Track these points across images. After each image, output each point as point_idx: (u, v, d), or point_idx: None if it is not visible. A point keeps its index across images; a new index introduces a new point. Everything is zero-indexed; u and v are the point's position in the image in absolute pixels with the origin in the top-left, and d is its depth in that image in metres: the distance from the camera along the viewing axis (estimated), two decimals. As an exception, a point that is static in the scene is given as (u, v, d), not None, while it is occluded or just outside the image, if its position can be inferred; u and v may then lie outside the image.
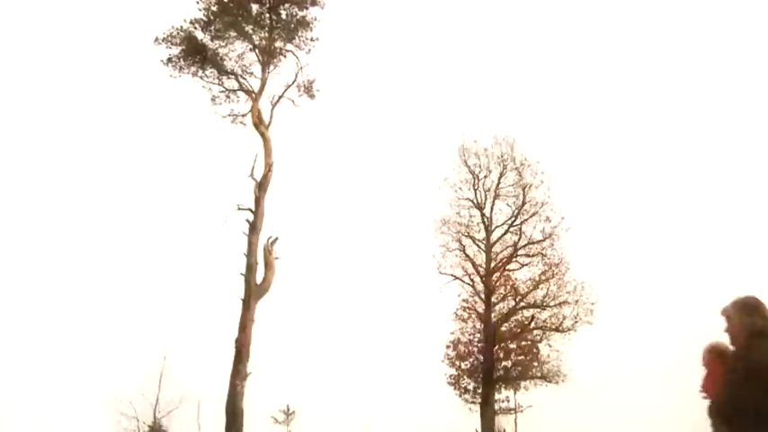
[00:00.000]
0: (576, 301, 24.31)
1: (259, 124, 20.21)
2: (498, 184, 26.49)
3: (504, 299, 26.08)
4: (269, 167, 18.74)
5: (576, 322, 24.36)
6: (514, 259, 25.91)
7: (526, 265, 25.86)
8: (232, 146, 30.71)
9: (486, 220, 26.37)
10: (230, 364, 16.05)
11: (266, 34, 21.47)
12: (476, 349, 27.06)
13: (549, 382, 26.44)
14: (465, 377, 27.68)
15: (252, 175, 18.43)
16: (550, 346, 26.03)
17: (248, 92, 21.27)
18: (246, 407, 15.78)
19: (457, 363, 27.74)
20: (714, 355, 4.59)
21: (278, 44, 21.63)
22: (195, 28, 21.37)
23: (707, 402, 4.39)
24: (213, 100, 21.64)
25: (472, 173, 26.65)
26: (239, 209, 17.70)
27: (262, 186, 18.26)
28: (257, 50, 21.44)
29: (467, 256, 26.25)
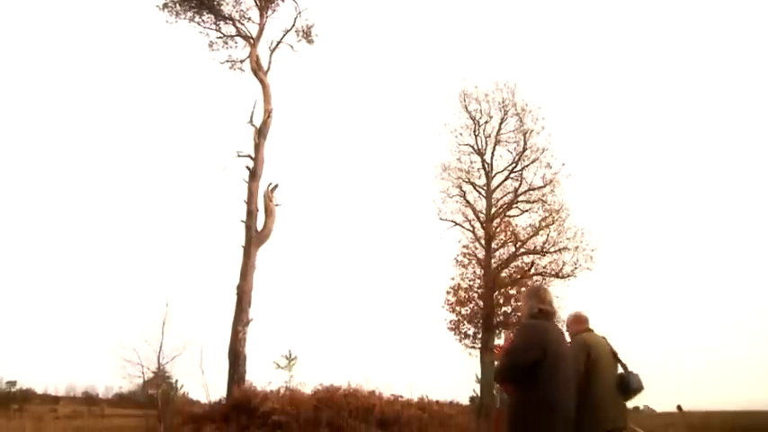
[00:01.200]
0: (576, 248, 24.42)
1: (258, 70, 19.97)
2: (499, 129, 26.37)
3: (504, 245, 26.19)
4: (268, 114, 18.59)
5: (576, 268, 24.52)
6: (515, 205, 25.94)
7: (526, 211, 25.91)
8: (231, 92, 30.49)
9: (486, 166, 26.32)
10: (232, 311, 16.19)
11: (264, -23, 21.04)
12: (476, 295, 27.31)
13: (549, 327, 26.75)
14: (465, 322, 28.01)
15: (251, 121, 18.31)
16: (550, 293, 26.28)
17: (246, 37, 20.97)
18: (249, 352, 16.00)
19: (457, 308, 28.02)
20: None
21: (276, -12, 21.22)
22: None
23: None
24: (211, 46, 21.36)
25: (473, 118, 26.52)
26: (239, 156, 17.63)
27: (261, 133, 18.14)
28: (255, -6, 21.06)
29: (467, 202, 26.30)
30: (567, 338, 6.14)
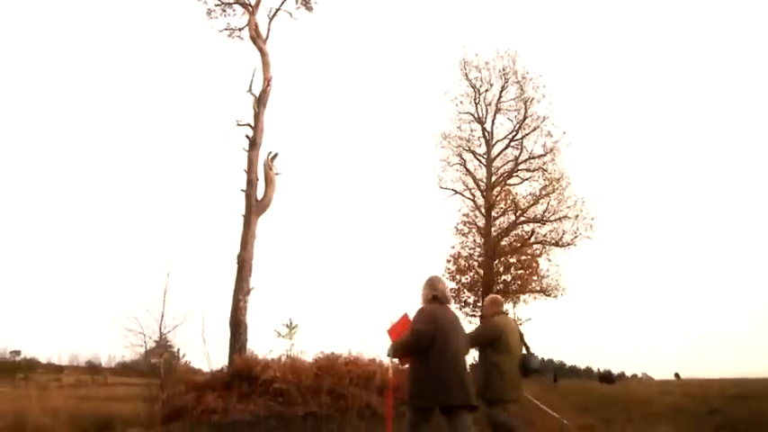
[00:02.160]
0: (576, 216, 24.43)
1: (256, 38, 19.74)
2: (499, 97, 26.22)
3: (504, 213, 26.20)
4: (267, 82, 18.40)
5: (576, 237, 24.56)
6: (515, 174, 25.89)
7: (527, 179, 25.88)
8: (230, 61, 30.21)
9: (486, 134, 26.22)
10: (233, 280, 16.20)
11: (262, -58, 20.69)
12: (476, 263, 27.41)
13: (548, 295, 26.92)
14: (465, 291, 28.16)
15: (250, 90, 18.12)
16: (550, 261, 26.39)
17: (245, 5, 20.68)
18: (250, 321, 16.04)
19: (457, 276, 28.16)
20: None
21: (274, -47, 20.88)
22: (188, -63, 20.56)
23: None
24: (209, 14, 21.05)
25: (473, 86, 26.36)
26: (238, 124, 17.47)
27: (260, 101, 17.97)
28: (253, -40, 20.73)
29: (467, 170, 26.26)
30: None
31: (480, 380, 7.87)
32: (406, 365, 6.53)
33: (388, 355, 6.75)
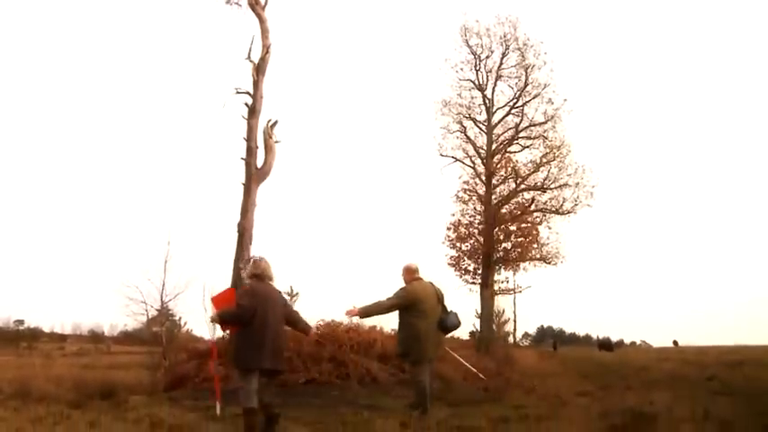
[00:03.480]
0: (577, 184, 24.31)
1: (255, 5, 19.45)
2: (500, 64, 25.94)
3: (504, 181, 26.12)
4: (266, 49, 18.16)
5: (576, 205, 24.47)
6: (516, 141, 25.73)
7: (527, 147, 25.70)
8: (228, 28, 29.90)
9: (487, 101, 26.01)
10: (234, 249, 16.21)
11: None
12: (476, 231, 27.44)
13: (548, 263, 27.02)
14: (465, 258, 28.26)
15: (249, 57, 17.92)
16: (550, 229, 26.41)
17: (242, -30, 20.42)
18: (251, 289, 16.07)
19: (457, 244, 28.23)
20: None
21: None
22: None
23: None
24: (206, -20, 20.83)
25: (474, 53, 26.08)
26: (237, 92, 17.30)
27: (259, 69, 17.76)
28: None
29: (468, 137, 26.10)
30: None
31: (402, 342, 8.79)
32: (227, 332, 7.96)
33: (213, 322, 7.54)
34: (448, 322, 8.82)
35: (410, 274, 8.96)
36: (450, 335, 10.97)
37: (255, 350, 6.79)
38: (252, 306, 6.89)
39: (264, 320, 6.88)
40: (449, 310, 8.96)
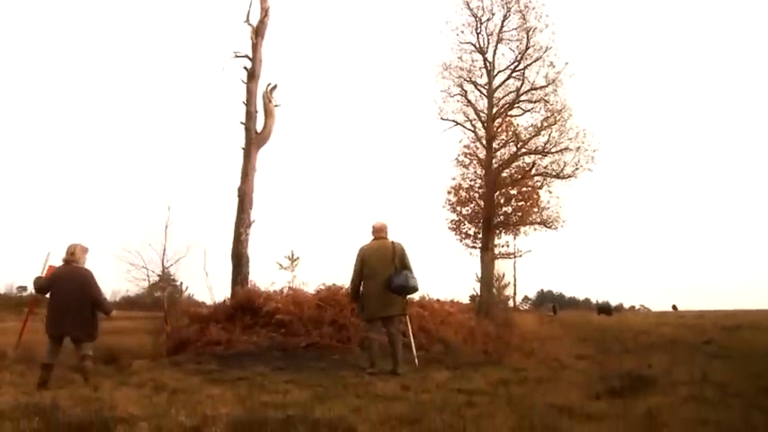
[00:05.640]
0: (578, 148, 24.17)
1: (252, -34, 19.24)
2: (501, 27, 25.62)
3: (505, 145, 26.00)
4: (265, 12, 17.95)
5: (577, 169, 24.37)
6: (516, 105, 25.53)
7: (528, 111, 25.52)
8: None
9: (488, 64, 25.76)
10: (234, 213, 16.21)
11: None
12: (476, 195, 27.43)
13: (549, 227, 27.06)
14: (465, 222, 28.29)
15: (248, 20, 17.72)
16: (550, 193, 26.37)
17: (239, -69, 20.09)
18: (251, 254, 16.09)
19: (458, 208, 28.24)
20: None
21: None
22: None
23: None
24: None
25: (474, 16, 25.74)
26: (236, 56, 17.15)
27: (258, 32, 17.57)
28: None
29: (468, 101, 25.89)
30: None
31: (359, 300, 9.52)
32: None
33: (36, 290, 9.30)
34: (393, 282, 9.02)
35: (374, 233, 9.50)
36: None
37: (52, 319, 8.42)
38: (51, 284, 8.57)
39: (61, 293, 8.42)
40: (404, 272, 9.10)
